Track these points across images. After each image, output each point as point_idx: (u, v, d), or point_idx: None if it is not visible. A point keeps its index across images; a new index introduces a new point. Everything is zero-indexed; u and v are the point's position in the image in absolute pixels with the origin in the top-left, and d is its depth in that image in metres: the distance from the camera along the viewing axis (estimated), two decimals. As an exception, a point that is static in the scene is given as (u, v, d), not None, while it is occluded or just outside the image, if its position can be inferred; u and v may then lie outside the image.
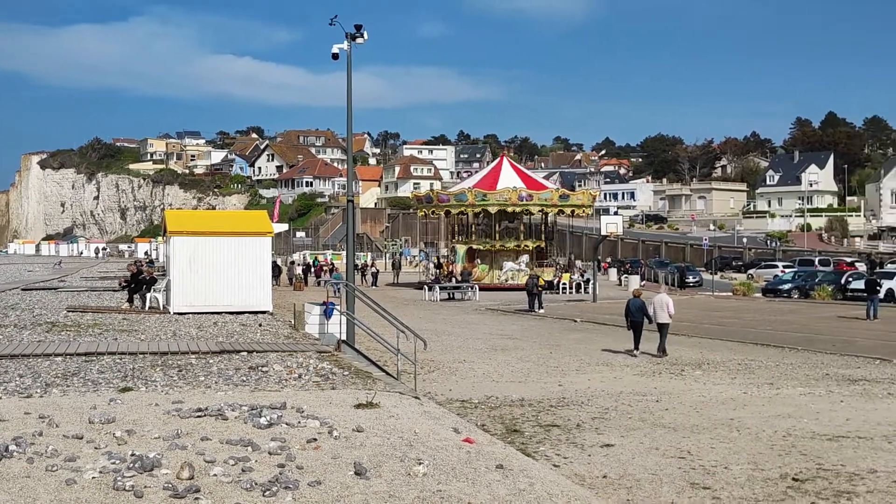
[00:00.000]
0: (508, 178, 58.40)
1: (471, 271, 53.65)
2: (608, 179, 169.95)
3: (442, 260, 59.19)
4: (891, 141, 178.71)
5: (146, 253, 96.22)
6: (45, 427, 9.58)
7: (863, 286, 43.63)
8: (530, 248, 58.06)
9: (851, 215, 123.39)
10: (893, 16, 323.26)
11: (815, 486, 9.96)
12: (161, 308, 26.50)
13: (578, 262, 66.60)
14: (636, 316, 23.21)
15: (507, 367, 20.64)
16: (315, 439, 9.23)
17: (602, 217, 55.07)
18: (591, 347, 24.85)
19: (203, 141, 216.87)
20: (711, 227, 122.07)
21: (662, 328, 23.04)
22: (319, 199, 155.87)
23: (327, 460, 8.42)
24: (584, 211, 61.79)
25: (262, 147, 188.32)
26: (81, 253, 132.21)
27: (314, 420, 10.12)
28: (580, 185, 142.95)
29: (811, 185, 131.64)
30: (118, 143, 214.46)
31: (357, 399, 11.65)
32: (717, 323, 32.39)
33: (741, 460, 11.17)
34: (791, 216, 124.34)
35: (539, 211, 58.17)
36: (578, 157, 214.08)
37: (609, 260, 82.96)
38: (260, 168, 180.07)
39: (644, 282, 59.91)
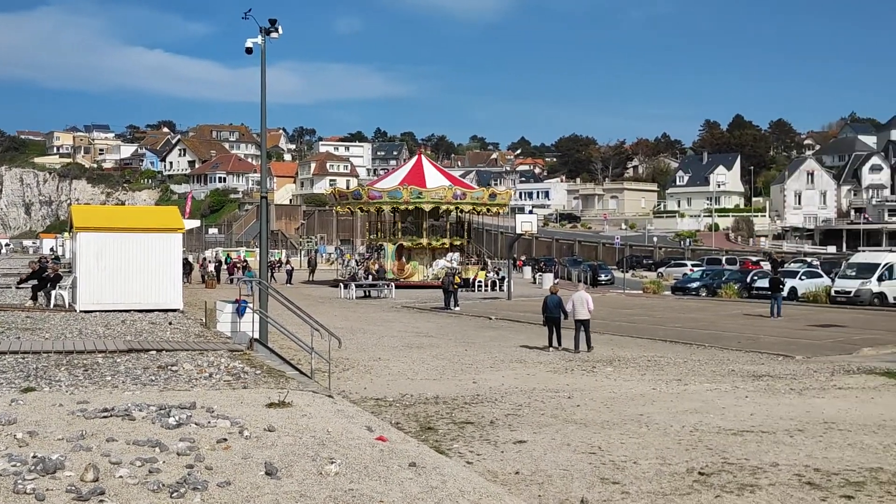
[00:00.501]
0: (434, 177, 59.20)
1: (387, 269, 53.56)
2: (523, 179, 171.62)
3: (365, 258, 58.59)
4: (795, 143, 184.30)
5: (52, 249, 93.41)
6: (-59, 429, 9.23)
7: (767, 284, 44.98)
8: (457, 245, 58.91)
9: (757, 215, 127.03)
10: (797, 21, 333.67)
11: (721, 479, 10.21)
12: (67, 306, 25.77)
13: (489, 261, 67.02)
14: (553, 312, 23.74)
15: (423, 365, 20.67)
16: (225, 439, 9.09)
17: (517, 216, 55.65)
18: (506, 345, 25.04)
19: (112, 135, 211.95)
20: (623, 226, 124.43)
21: (583, 324, 23.44)
22: (233, 196, 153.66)
23: (237, 460, 8.30)
24: (500, 209, 62.54)
25: (173, 142, 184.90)
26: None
27: (225, 420, 9.96)
28: (496, 184, 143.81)
29: (719, 185, 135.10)
30: (23, 136, 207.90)
31: (269, 398, 11.51)
32: (627, 320, 32.96)
33: (650, 455, 11.39)
34: (700, 216, 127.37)
35: (458, 209, 58.93)
36: (494, 156, 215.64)
37: (524, 258, 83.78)
38: (171, 163, 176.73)
39: (558, 280, 60.65)
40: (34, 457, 7.97)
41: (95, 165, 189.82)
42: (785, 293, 38.71)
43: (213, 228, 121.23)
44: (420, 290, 49.51)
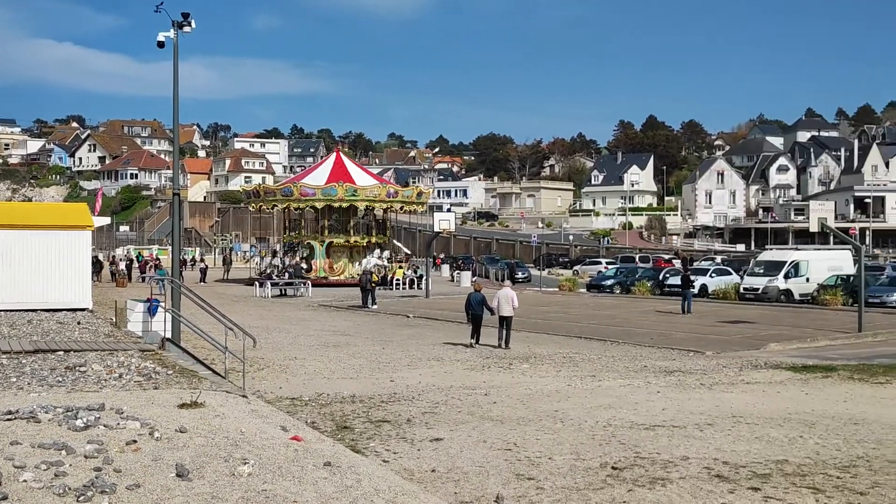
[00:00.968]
0: (360, 175, 59.36)
1: (303, 266, 53.10)
2: (441, 177, 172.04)
3: (285, 257, 57.71)
4: (705, 144, 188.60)
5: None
6: None
7: (679, 282, 45.90)
8: (380, 243, 59.05)
9: (669, 214, 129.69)
10: (707, 25, 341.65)
11: (633, 473, 10.38)
12: (-31, 305, 24.89)
13: (412, 257, 67.26)
14: (476, 309, 24.08)
15: (339, 364, 20.54)
16: (135, 441, 8.89)
17: (435, 214, 55.66)
18: (424, 343, 25.06)
19: (18, 129, 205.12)
20: (540, 224, 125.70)
21: (506, 321, 23.74)
22: (145, 192, 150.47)
23: (147, 462, 8.12)
24: (419, 207, 62.73)
25: (83, 137, 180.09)
26: None
27: (134, 421, 9.74)
28: (414, 182, 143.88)
29: (633, 185, 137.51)
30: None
31: (181, 399, 11.30)
32: (544, 318, 33.29)
33: (564, 451, 11.52)
34: (614, 215, 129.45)
35: (381, 207, 58.98)
36: (412, 154, 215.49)
37: (442, 256, 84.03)
38: (81, 159, 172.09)
39: (475, 278, 60.98)
40: (-68, 462, 7.68)
41: (0, 161, 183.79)
42: (696, 290, 39.57)
43: (125, 226, 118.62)
44: (337, 289, 49.25)
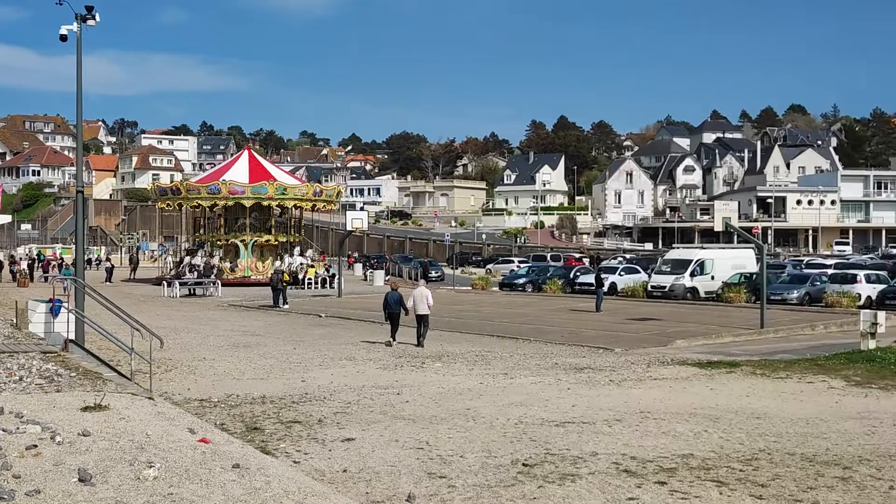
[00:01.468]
0: (278, 173, 59.43)
1: (214, 265, 52.22)
2: (354, 175, 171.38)
3: (201, 256, 56.53)
4: (615, 145, 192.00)
5: None
6: None
7: (589, 280, 46.61)
8: (295, 242, 58.76)
9: (580, 214, 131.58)
10: (618, 27, 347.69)
11: (543, 470, 10.48)
12: None
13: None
14: (394, 308, 24.29)
15: (249, 364, 20.27)
16: (35, 446, 8.61)
17: (348, 212, 55.34)
18: (336, 342, 24.91)
19: None
20: (453, 223, 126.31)
21: (423, 319, 23.93)
22: (48, 190, 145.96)
23: (48, 467, 7.88)
24: (332, 206, 62.48)
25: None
26: None
27: (35, 425, 9.45)
28: (327, 181, 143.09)
29: (545, 184, 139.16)
30: None
31: (84, 402, 11.00)
32: (457, 316, 33.41)
33: (476, 448, 11.57)
34: (527, 214, 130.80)
35: (294, 206, 58.62)
36: (325, 152, 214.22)
37: (355, 255, 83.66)
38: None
39: (388, 276, 60.88)
40: None
41: None
42: (605, 288, 40.22)
43: (27, 224, 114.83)
44: (247, 288, 48.60)
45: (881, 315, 23.20)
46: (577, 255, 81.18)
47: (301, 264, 54.67)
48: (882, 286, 39.82)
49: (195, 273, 49.66)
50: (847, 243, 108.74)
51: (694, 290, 42.87)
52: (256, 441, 11.68)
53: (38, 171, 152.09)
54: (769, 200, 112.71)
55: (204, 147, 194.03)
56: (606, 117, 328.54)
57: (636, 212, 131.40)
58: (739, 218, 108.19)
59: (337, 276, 47.90)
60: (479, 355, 21.95)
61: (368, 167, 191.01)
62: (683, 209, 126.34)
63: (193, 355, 21.66)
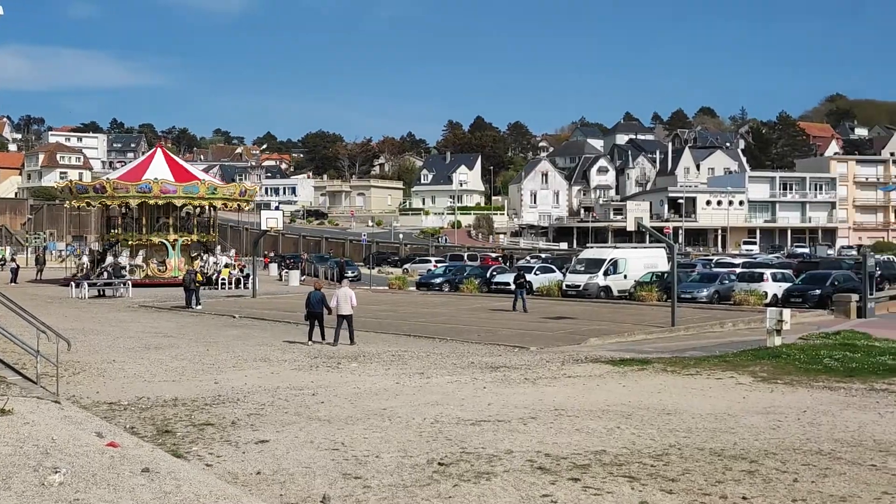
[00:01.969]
0: (197, 171, 58.42)
1: (124, 266, 51.04)
2: (269, 174, 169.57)
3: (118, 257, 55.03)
4: (531, 145, 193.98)
5: None
6: None
7: (506, 280, 47.05)
8: (210, 241, 57.97)
9: (496, 213, 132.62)
10: (533, 28, 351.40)
11: (459, 468, 10.51)
12: None
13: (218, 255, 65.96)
14: (316, 307, 24.21)
15: (161, 366, 19.86)
16: (-68, 453, 8.30)
17: (262, 212, 54.72)
18: (250, 343, 24.58)
19: None
20: (370, 223, 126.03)
21: (346, 319, 23.92)
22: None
23: (-54, 476, 7.59)
24: (246, 205, 61.73)
25: None
26: None
27: (-68, 432, 9.10)
28: (241, 179, 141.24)
29: (461, 184, 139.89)
30: None
31: (-14, 406, 10.64)
32: (373, 316, 33.28)
33: (392, 448, 11.54)
34: (443, 214, 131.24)
35: (209, 205, 57.86)
36: (239, 150, 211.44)
37: (271, 255, 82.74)
38: None
39: (304, 276, 60.43)
40: None
41: None
42: (527, 289, 40.49)
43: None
44: (159, 289, 47.66)
45: (786, 312, 23.90)
46: (494, 255, 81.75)
47: (227, 264, 54.07)
48: (787, 284, 41.05)
49: (105, 274, 48.47)
50: (754, 243, 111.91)
51: (607, 289, 43.53)
52: (167, 444, 11.45)
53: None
54: (680, 201, 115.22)
55: (114, 145, 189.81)
56: (522, 118, 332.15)
57: (551, 212, 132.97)
58: (651, 218, 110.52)
59: (251, 277, 47.32)
60: (396, 355, 21.91)
61: (284, 166, 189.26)
62: (597, 209, 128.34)
63: (102, 357, 21.14)
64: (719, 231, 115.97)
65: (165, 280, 51.66)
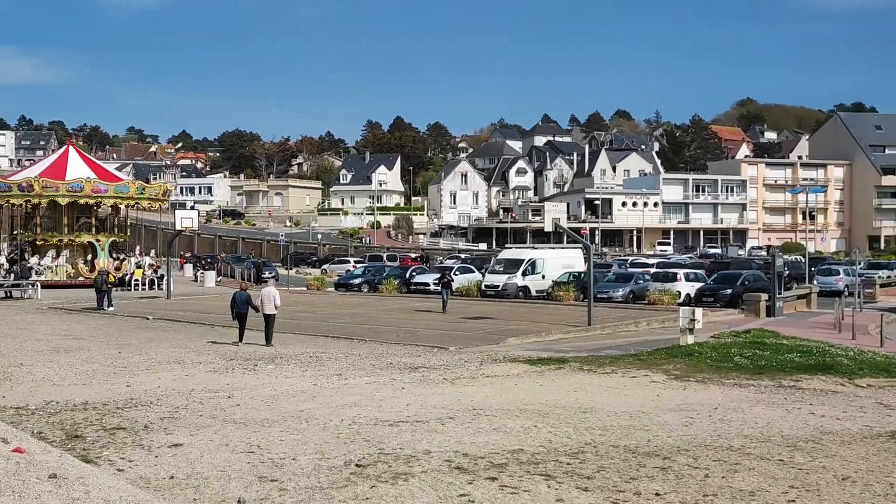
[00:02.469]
0: (80, 167, 55.98)
1: (32, 266, 49.54)
2: (185, 173, 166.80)
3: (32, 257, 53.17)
4: (450, 146, 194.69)
5: None
6: None
7: (425, 280, 47.16)
8: (124, 241, 57.04)
9: (416, 214, 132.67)
10: (453, 30, 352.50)
11: (377, 470, 10.47)
12: None
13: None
14: (241, 307, 24.27)
15: (71, 370, 19.35)
16: None
17: (177, 211, 53.72)
18: (164, 346, 24.14)
19: None
20: (288, 223, 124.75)
21: (269, 319, 24.08)
22: None
23: None
24: (161, 205, 60.49)
25: None
26: None
27: None
28: (155, 178, 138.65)
29: (381, 184, 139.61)
30: None
31: None
32: (291, 317, 32.92)
33: (309, 450, 11.44)
34: (363, 214, 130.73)
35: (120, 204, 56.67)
36: (154, 149, 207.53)
37: (187, 255, 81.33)
38: None
39: (220, 277, 59.59)
40: None
41: None
42: (435, 286, 40.62)
43: None
44: (69, 291, 46.43)
45: (699, 311, 24.46)
46: (413, 256, 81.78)
47: (150, 264, 53.12)
48: (699, 284, 41.97)
49: (12, 276, 47.00)
50: (668, 243, 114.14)
51: (526, 289, 43.90)
52: (77, 449, 11.15)
53: None
54: (596, 202, 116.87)
55: (23, 142, 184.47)
56: (442, 119, 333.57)
57: (471, 212, 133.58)
58: (569, 219, 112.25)
59: (166, 277, 46.43)
60: (314, 356, 21.74)
61: (200, 165, 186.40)
62: (516, 210, 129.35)
63: (9, 361, 20.50)
64: (635, 232, 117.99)
65: (91, 282, 50.46)
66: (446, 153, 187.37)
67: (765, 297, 36.04)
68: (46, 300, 41.20)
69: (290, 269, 64.26)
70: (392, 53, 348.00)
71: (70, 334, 27.10)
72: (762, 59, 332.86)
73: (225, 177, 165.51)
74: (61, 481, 7.81)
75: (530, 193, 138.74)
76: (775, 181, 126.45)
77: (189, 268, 67.63)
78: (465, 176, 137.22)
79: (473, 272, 49.97)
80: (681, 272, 44.36)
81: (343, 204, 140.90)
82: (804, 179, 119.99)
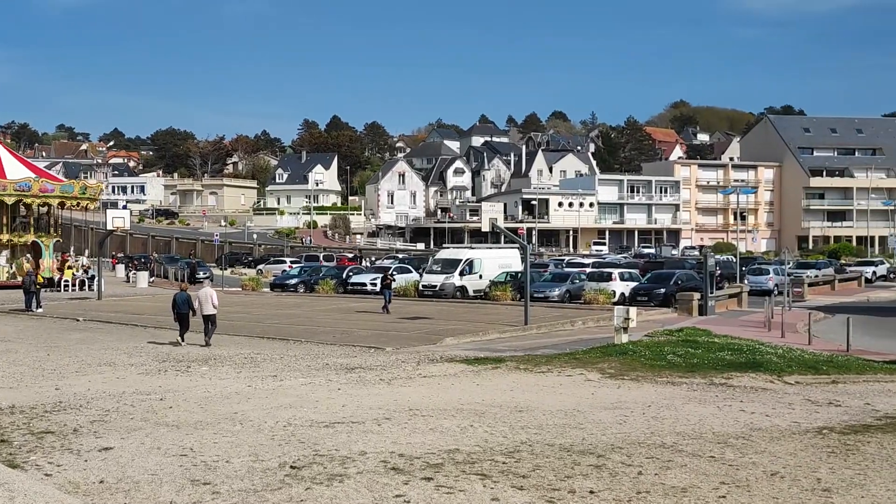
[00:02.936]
0: (17, 167, 54.82)
1: (44, 267, 48.37)
2: (116, 172, 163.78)
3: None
4: (388, 146, 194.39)
5: None
6: None
7: (362, 280, 46.97)
8: (56, 242, 55.68)
9: (353, 214, 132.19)
10: (389, 29, 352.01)
11: (312, 471, 10.38)
12: None
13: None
14: (182, 308, 24.35)
15: (-3, 373, 18.86)
16: None
17: (108, 211, 52.74)
18: (95, 348, 23.68)
19: None
20: (223, 223, 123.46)
21: (209, 319, 24.15)
22: None
23: None
24: (91, 204, 59.32)
25: None
26: None
27: None
28: (86, 177, 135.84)
29: (317, 184, 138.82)
30: None
31: None
32: (225, 318, 32.50)
33: (243, 453, 11.30)
34: (299, 214, 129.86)
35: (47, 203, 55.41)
36: (84, 147, 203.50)
37: (120, 256, 79.90)
38: None
39: (154, 278, 58.69)
40: None
41: None
42: (377, 287, 40.50)
43: None
44: (9, 292, 45.31)
45: (633, 311, 24.74)
46: (351, 256, 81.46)
47: (83, 265, 52.07)
48: (634, 284, 42.51)
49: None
50: (604, 243, 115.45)
51: (463, 289, 44.02)
52: (3, 454, 10.88)
53: None
54: (533, 202, 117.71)
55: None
56: (379, 118, 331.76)
57: (409, 212, 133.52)
58: (506, 219, 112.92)
59: (97, 278, 45.54)
60: (248, 358, 21.51)
61: (132, 164, 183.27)
62: (454, 210, 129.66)
63: (-68, 365, 19.91)
64: (571, 232, 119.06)
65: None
66: (384, 153, 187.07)
67: (697, 296, 36.65)
68: (-28, 302, 40.13)
69: (225, 269, 63.57)
70: (329, 52, 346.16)
71: (-4, 336, 26.42)
72: (695, 63, 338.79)
73: (158, 176, 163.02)
74: (-15, 488, 7.60)
75: (468, 193, 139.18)
76: (707, 182, 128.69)
77: (121, 268, 66.47)
78: (403, 176, 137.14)
79: (411, 272, 49.91)
80: (616, 272, 44.87)
81: (279, 203, 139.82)
82: (735, 181, 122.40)
